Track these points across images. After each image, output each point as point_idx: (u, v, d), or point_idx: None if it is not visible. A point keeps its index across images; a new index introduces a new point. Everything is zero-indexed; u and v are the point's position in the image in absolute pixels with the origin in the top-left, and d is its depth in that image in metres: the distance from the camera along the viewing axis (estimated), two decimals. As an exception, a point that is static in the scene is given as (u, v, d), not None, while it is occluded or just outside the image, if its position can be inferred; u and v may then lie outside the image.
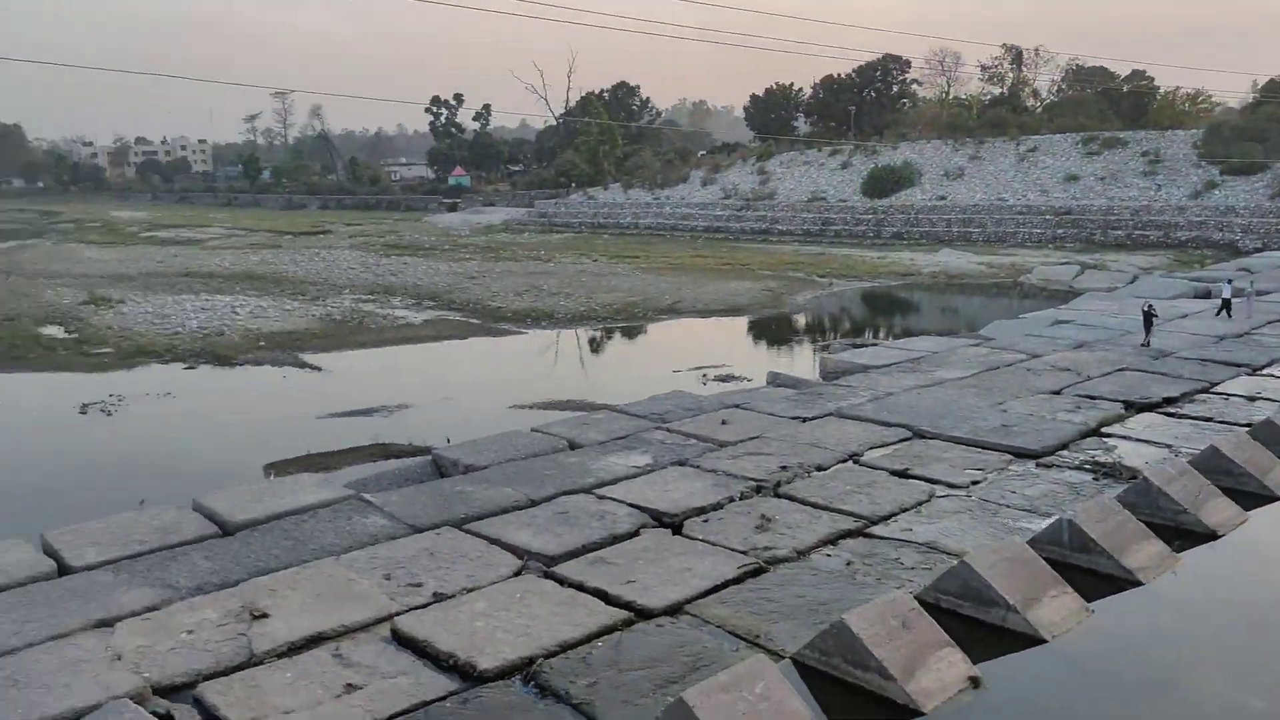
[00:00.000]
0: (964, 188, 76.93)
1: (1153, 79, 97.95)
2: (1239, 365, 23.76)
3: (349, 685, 9.82)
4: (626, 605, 11.96)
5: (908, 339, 30.23)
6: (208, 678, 9.70)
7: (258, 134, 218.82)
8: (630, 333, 40.31)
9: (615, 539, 14.06)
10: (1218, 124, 76.05)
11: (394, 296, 48.84)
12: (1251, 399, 20.61)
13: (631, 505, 15.13)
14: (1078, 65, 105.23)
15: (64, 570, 12.57)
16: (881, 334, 38.42)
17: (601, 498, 15.62)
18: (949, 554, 12.95)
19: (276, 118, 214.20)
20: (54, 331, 37.76)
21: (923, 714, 9.51)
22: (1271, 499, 15.47)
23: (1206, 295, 37.56)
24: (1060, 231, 66.67)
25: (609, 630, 11.39)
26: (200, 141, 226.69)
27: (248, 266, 62.16)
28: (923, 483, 15.82)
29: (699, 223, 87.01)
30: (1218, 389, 21.62)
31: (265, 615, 10.84)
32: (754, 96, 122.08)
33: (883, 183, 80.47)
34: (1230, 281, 32.06)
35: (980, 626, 11.12)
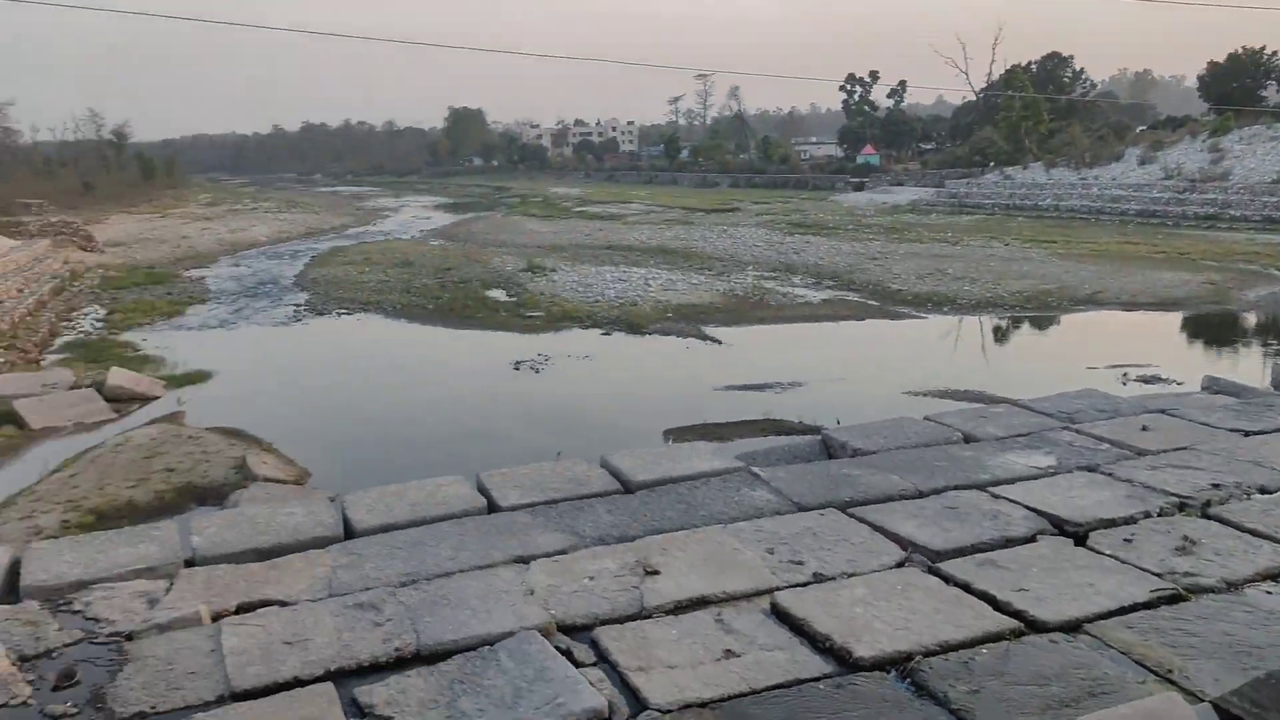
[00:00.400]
0: None
1: None
2: None
3: (728, 651, 10.07)
4: (1017, 614, 11.16)
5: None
6: (603, 623, 10.38)
7: (679, 115, 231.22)
8: (1041, 323, 37.62)
9: (1008, 542, 13.18)
10: None
11: (794, 275, 49.50)
12: None
13: (1029, 509, 14.10)
14: None
15: (492, 508, 14.04)
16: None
17: (996, 496, 14.71)
18: None
19: (697, 99, 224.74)
20: (498, 294, 42.71)
21: (1380, 799, 7.92)
22: None
23: None
24: None
25: (995, 638, 10.71)
26: (629, 123, 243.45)
27: (662, 241, 66.06)
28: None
29: (1131, 206, 78.91)
30: None
31: (656, 572, 11.44)
32: (1211, 63, 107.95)
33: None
34: None
35: None
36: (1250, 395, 20.36)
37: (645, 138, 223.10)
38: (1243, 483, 14.66)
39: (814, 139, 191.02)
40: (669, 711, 8.70)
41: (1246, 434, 17.07)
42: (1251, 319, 36.76)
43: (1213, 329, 35.49)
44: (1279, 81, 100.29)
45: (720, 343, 31.93)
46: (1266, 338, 33.77)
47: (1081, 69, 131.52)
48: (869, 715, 9.30)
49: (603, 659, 9.36)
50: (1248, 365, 28.04)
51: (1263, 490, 14.43)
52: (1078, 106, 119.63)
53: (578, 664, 9.34)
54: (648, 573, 11.30)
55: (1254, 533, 12.96)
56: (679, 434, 20.91)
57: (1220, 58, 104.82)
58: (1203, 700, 9.37)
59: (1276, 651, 10.23)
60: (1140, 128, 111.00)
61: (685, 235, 66.24)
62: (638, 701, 8.80)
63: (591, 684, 9.04)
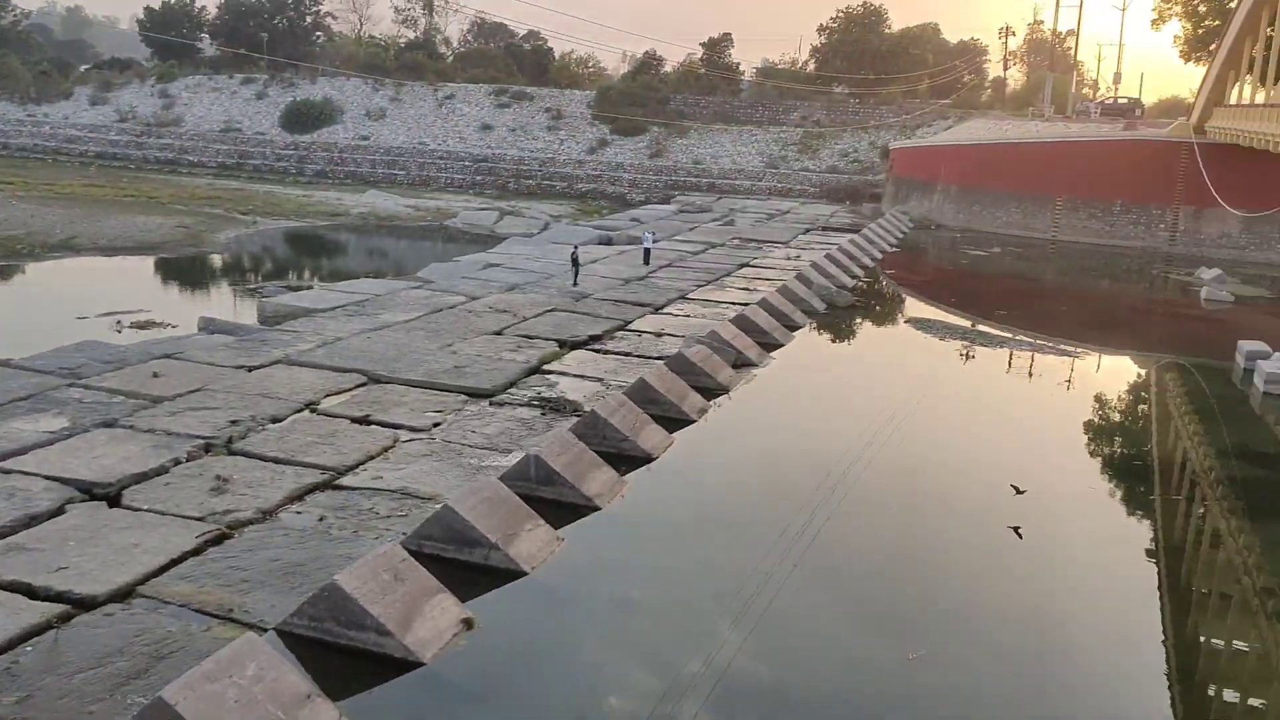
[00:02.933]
0: (387, 129, 76.92)
1: (546, 40, 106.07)
2: (644, 305, 26.85)
3: None
4: (60, 597, 10.11)
5: (348, 281, 29.56)
6: None
7: None
8: (13, 273, 34.14)
9: (33, 519, 11.80)
10: (606, 88, 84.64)
11: None
12: (659, 335, 23.42)
13: (50, 478, 12.80)
14: (483, 19, 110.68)
15: None
16: (317, 276, 37.21)
17: (7, 471, 12.97)
18: (422, 498, 12.91)
19: None
20: None
21: (423, 664, 9.34)
22: (687, 422, 17.78)
23: (609, 241, 41.90)
24: (479, 178, 69.81)
25: (41, 630, 9.53)
26: None
27: None
28: (385, 428, 15.61)
29: (90, 147, 76.36)
30: (631, 326, 24.23)
31: None
32: (149, 9, 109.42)
33: (303, 118, 77.39)
34: (653, 234, 35.95)
35: (467, 568, 11.24)
36: (245, 333, 21.67)
37: None
38: (257, 415, 15.59)
39: None
40: None
41: (250, 369, 18.20)
42: (228, 260, 39.32)
43: (195, 271, 36.95)
44: (210, 35, 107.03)
45: None
46: (244, 276, 36.50)
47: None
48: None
49: None
50: (235, 304, 30.01)
51: (274, 419, 15.54)
52: (10, 36, 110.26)
53: None
54: None
55: (276, 460, 13.88)
56: None
57: (156, 3, 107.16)
58: (266, 630, 9.82)
59: (316, 565, 11.23)
60: (84, 66, 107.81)
61: None
62: None
63: None
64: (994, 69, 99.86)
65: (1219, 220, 45.77)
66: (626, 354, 21.43)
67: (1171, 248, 46.33)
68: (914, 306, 33.22)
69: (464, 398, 17.54)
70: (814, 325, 28.25)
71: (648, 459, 15.66)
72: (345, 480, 13.54)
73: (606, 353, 21.53)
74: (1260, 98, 42.68)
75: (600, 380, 19.13)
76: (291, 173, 70.76)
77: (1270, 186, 43.03)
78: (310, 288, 29.75)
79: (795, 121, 76.79)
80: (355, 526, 12.10)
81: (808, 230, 47.40)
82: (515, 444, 15.20)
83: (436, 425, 15.98)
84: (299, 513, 12.50)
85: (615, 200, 65.73)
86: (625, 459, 15.38)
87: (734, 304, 27.49)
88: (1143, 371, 26.70)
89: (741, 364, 22.07)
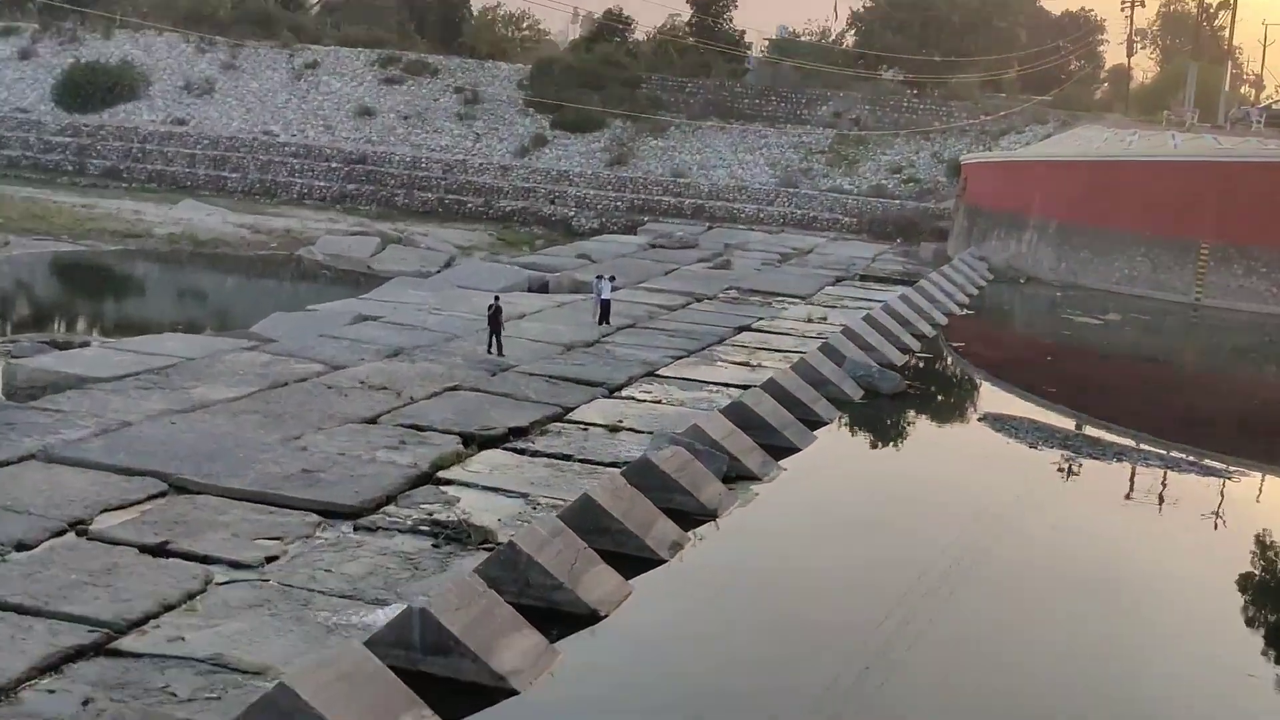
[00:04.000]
0: (215, 110, 77.37)
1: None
2: (594, 384, 26.94)
3: None
4: None
5: (145, 337, 29.54)
6: None
7: None
8: None
9: None
10: (546, 62, 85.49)
11: None
12: (614, 429, 23.47)
13: None
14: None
15: None
16: (99, 328, 37.21)
17: None
18: (245, 673, 12.79)
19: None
20: None
21: None
22: (653, 563, 17.72)
23: (544, 288, 42.20)
24: (352, 187, 70.32)
25: None
26: None
27: None
28: (193, 563, 15.52)
29: None
30: (574, 416, 24.28)
31: None
32: None
33: (89, 89, 77.57)
34: (611, 279, 35.90)
35: (309, 783, 11.03)
36: (-16, 409, 21.49)
37: None
38: (-4, 538, 15.51)
39: None
40: None
41: (-11, 466, 18.16)
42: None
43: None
44: None
45: None
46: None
47: None
48: None
49: None
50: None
51: (20, 546, 15.39)
52: None
53: None
54: None
55: (19, 608, 13.63)
56: None
57: None
58: None
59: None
60: None
61: None
62: None
63: None
64: (1113, 54, 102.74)
65: None
66: (565, 457, 21.47)
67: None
68: (992, 397, 33.64)
69: (316, 518, 17.44)
70: (845, 421, 28.33)
71: (592, 617, 15.60)
72: (127, 642, 13.37)
73: (535, 455, 21.58)
74: None
75: (524, 497, 19.15)
76: (68, 170, 70.86)
77: None
78: (87, 345, 29.62)
79: (824, 120, 78.65)
80: (140, 716, 11.91)
81: (838, 280, 48.14)
82: (392, 591, 15.10)
83: (272, 560, 15.86)
84: (52, 692, 12.30)
85: (556, 227, 66.45)
86: (559, 617, 15.31)
87: (727, 386, 27.61)
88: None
89: (737, 476, 22.14)
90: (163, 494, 17.82)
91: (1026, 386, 34.20)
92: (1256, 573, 21.32)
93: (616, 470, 20.16)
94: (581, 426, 23.62)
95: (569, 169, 72.41)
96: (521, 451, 21.61)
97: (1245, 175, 50.76)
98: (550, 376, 27.21)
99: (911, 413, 31.08)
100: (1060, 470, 26.09)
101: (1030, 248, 55.40)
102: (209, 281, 47.37)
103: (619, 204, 69.24)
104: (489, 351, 28.74)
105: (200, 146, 73.18)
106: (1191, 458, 27.37)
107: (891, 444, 28.88)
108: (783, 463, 23.78)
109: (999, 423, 29.42)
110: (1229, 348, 44.25)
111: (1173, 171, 52.20)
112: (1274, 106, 78.04)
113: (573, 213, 68.47)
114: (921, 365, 36.21)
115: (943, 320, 42.77)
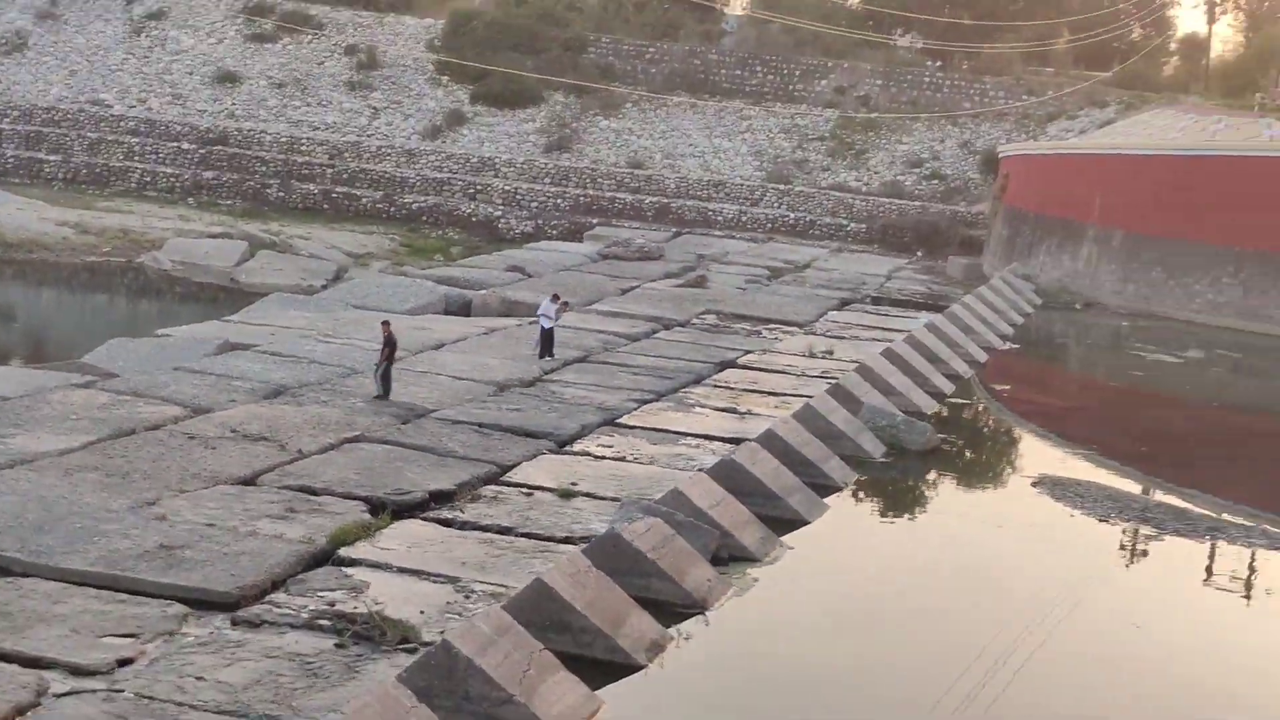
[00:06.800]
0: (28, 72, 76.71)
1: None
2: (539, 436, 26.73)
3: None
4: None
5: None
6: None
7: None
8: None
9: None
10: (464, 17, 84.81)
11: None
12: (566, 495, 23.22)
13: None
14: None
15: None
16: None
17: None
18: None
19: None
20: None
21: None
22: (627, 669, 17.55)
23: (466, 309, 41.99)
24: (209, 175, 70.04)
25: None
26: None
27: None
28: (21, 667, 15.14)
29: None
30: (513, 476, 24.04)
31: None
32: None
33: None
34: (558, 300, 35.37)
35: None
36: None
37: None
38: None
39: None
40: None
41: None
42: None
43: None
44: None
45: None
46: None
47: None
48: None
49: None
50: None
51: None
52: None
53: None
54: None
55: None
56: None
57: None
58: None
59: None
60: None
61: None
62: None
63: None
64: (1187, 21, 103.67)
65: None
66: (505, 531, 21.25)
67: None
68: (1047, 455, 33.67)
69: (181, 609, 17.13)
70: (864, 485, 28.37)
71: (549, 741, 15.34)
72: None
73: (466, 527, 21.36)
74: None
75: (454, 582, 18.86)
76: None
77: None
78: None
79: (824, 97, 79.07)
80: None
81: (845, 304, 48.33)
82: (286, 706, 14.78)
83: (125, 663, 15.53)
84: None
85: (477, 230, 66.35)
86: (505, 742, 15.04)
87: (711, 439, 27.57)
88: None
89: (730, 557, 22.09)
90: (-24, 576, 17.49)
91: (1090, 443, 34.25)
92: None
93: (576, 549, 19.92)
94: (524, 491, 23.34)
95: (495, 155, 72.44)
96: (448, 523, 21.32)
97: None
98: (481, 425, 27.03)
99: (948, 475, 31.10)
100: (1128, 550, 26.21)
101: (1089, 265, 55.90)
102: (20, 297, 46.86)
103: (560, 202, 69.25)
104: (377, 393, 28.35)
105: (8, 120, 72.44)
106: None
107: (923, 515, 28.78)
108: (787, 539, 23.72)
109: (1059, 489, 29.36)
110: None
111: (1270, 170, 52.65)
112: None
113: (500, 212, 68.40)
114: (957, 414, 36.29)
115: (981, 357, 42.94)
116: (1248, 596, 24.67)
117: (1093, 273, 55.28)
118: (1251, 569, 25.85)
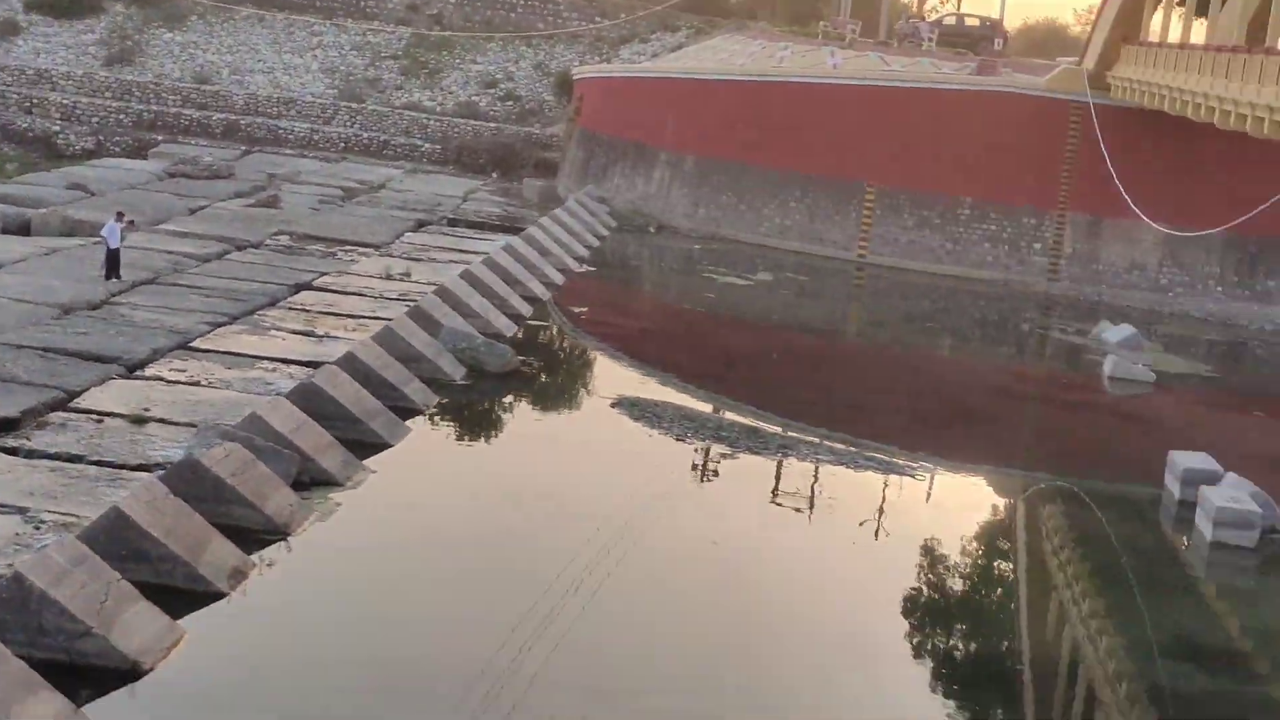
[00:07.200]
0: None
1: None
2: (107, 360, 26.12)
3: None
4: None
5: None
6: None
7: None
8: None
9: None
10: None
11: None
12: (139, 420, 22.84)
13: None
14: None
15: None
16: None
17: None
18: None
19: None
20: None
21: None
22: (209, 597, 17.52)
23: (25, 229, 40.48)
24: None
25: None
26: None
27: None
28: None
29: None
30: (82, 402, 23.52)
31: None
32: None
33: None
34: (123, 219, 34.37)
35: None
36: None
37: None
38: None
39: None
40: None
41: None
42: None
43: None
44: None
45: None
46: None
47: None
48: None
49: None
50: None
51: None
52: None
53: None
54: None
55: None
56: None
57: None
58: None
59: None
60: None
61: None
62: None
63: None
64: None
65: (1129, 240, 51.07)
66: (75, 459, 20.93)
67: (1053, 284, 51.12)
68: (625, 377, 34.59)
69: None
70: (445, 408, 28.81)
71: (132, 672, 15.36)
72: None
73: (32, 455, 20.93)
74: (1199, 33, 47.51)
75: (22, 513, 18.50)
76: None
77: (1212, 186, 48.13)
78: None
79: (397, 13, 78.40)
80: None
81: (421, 225, 48.31)
82: None
83: None
84: None
85: (35, 146, 63.92)
86: (88, 673, 15.04)
87: (288, 363, 27.56)
88: (1007, 502, 29.23)
89: (312, 481, 22.31)
90: None
91: (666, 365, 35.38)
92: (922, 587, 22.95)
93: (152, 476, 19.74)
94: (95, 417, 22.92)
95: (51, 67, 69.81)
96: (13, 451, 20.84)
97: (913, 105, 53.18)
98: (45, 349, 26.28)
99: (527, 397, 31.73)
100: (698, 467, 27.32)
101: (661, 188, 57.13)
102: None
103: (123, 117, 67.09)
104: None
105: None
106: (854, 449, 29.03)
107: (503, 436, 29.28)
108: (369, 462, 23.98)
109: (637, 410, 30.30)
110: (898, 315, 46.91)
111: (832, 97, 54.60)
112: (946, 21, 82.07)
113: (58, 127, 65.85)
114: (536, 337, 36.98)
115: (558, 279, 43.77)
116: (811, 509, 25.93)
117: (666, 196, 56.39)
118: (816, 483, 27.18)
